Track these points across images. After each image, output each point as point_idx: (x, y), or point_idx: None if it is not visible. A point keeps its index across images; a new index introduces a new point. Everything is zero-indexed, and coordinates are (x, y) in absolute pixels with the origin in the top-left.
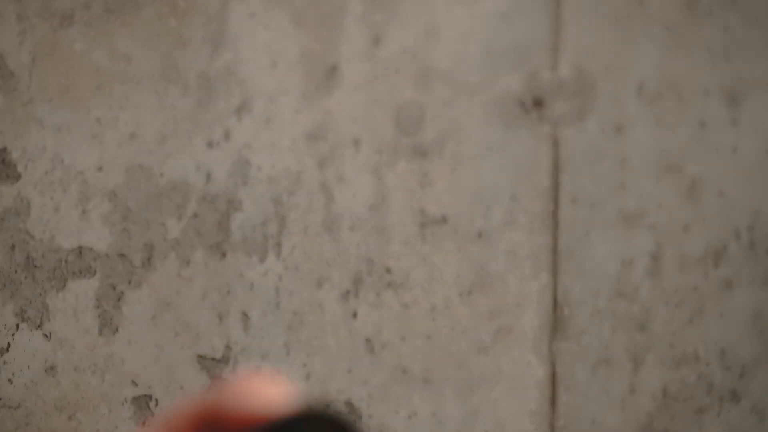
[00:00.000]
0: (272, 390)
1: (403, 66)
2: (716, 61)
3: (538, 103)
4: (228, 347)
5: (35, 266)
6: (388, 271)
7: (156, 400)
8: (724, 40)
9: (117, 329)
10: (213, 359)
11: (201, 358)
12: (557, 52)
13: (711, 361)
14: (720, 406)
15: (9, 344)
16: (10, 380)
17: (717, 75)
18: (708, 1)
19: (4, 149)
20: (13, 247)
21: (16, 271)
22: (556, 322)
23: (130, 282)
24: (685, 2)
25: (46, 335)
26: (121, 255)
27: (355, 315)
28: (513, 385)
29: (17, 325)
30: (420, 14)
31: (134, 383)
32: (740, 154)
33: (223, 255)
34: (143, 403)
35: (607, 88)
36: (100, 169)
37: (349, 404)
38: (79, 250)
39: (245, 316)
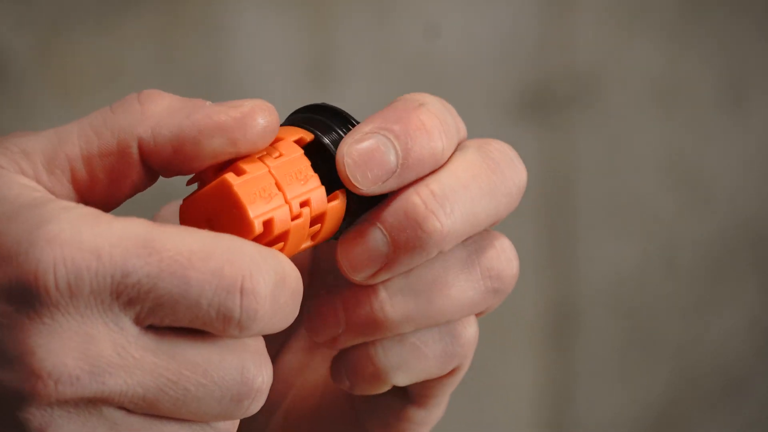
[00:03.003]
0: None
1: (406, 61)
2: (721, 58)
3: (544, 101)
4: None
5: None
6: None
7: None
8: (728, 36)
9: None
10: None
11: None
12: (565, 50)
13: (718, 357)
14: (729, 401)
15: None
16: None
17: (722, 72)
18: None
19: None
20: None
21: None
22: (560, 319)
23: None
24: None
25: None
26: None
27: None
28: (515, 383)
29: None
30: (424, 9)
31: None
32: (744, 152)
33: None
34: None
35: (613, 86)
36: None
37: None
38: None
39: None
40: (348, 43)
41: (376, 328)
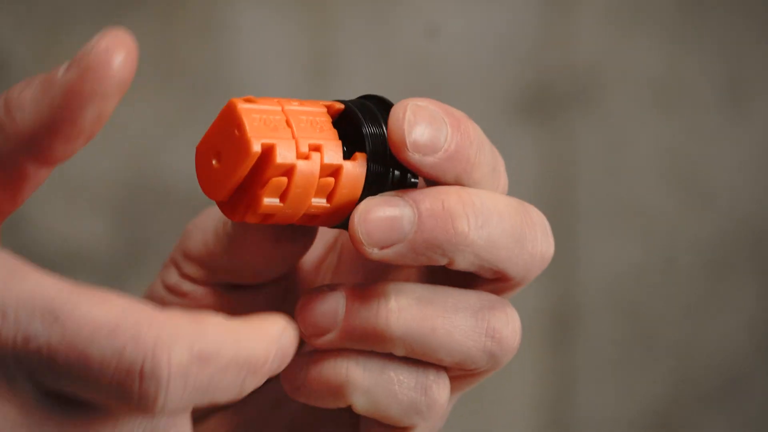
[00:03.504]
0: None
1: (406, 61)
2: (721, 58)
3: (543, 101)
4: None
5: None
6: None
7: None
8: (728, 36)
9: None
10: None
11: None
12: (565, 50)
13: (717, 356)
14: (729, 401)
15: None
16: None
17: (722, 72)
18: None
19: None
20: (10, 248)
21: None
22: (560, 319)
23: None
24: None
25: None
26: (118, 255)
27: None
28: (515, 383)
29: None
30: (424, 9)
31: None
32: (744, 152)
33: None
34: None
35: (613, 86)
36: (100, 166)
37: None
38: (78, 250)
39: None
40: (348, 43)
41: (372, 336)
